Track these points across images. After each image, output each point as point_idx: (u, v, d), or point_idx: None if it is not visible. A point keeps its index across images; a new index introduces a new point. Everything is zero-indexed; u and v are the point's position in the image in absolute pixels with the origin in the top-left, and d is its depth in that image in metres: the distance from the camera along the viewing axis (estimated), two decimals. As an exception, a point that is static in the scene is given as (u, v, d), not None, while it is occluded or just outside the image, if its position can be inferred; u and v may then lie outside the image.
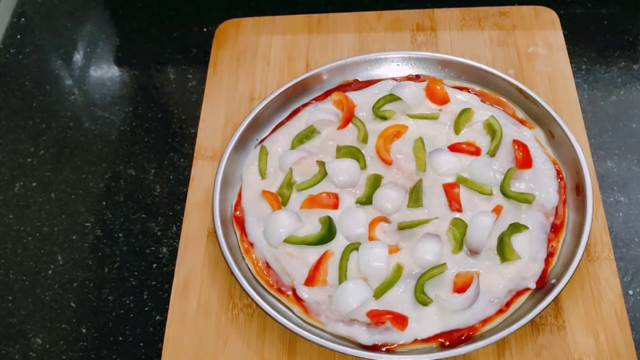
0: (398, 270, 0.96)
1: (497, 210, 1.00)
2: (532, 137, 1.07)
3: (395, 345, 0.91)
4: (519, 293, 0.94)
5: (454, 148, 1.06)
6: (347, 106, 1.11)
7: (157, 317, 1.01)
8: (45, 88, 1.28)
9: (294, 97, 1.14)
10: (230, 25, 1.29)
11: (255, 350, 0.95)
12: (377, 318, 0.92)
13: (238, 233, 1.02)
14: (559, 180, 1.03)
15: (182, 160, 1.17)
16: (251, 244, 1.00)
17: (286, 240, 0.99)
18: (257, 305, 0.93)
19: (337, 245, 0.99)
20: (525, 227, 0.98)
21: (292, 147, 1.09)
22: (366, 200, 1.02)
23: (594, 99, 1.19)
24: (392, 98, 1.10)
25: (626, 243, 1.03)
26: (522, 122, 1.10)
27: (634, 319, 0.97)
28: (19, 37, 1.36)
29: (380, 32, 1.25)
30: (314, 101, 1.14)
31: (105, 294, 1.04)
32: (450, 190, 1.01)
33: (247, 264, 0.99)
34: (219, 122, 1.17)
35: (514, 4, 1.28)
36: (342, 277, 0.96)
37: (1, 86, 1.29)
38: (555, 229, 0.99)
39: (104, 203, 1.13)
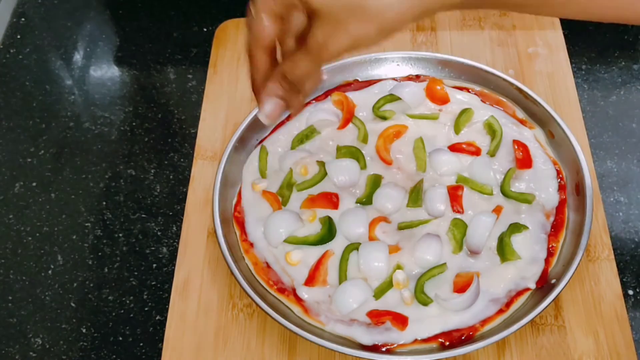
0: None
1: (497, 210, 1.00)
2: (532, 137, 1.07)
3: (395, 345, 0.91)
4: (519, 293, 0.94)
5: (454, 148, 1.06)
6: (347, 106, 1.10)
7: (157, 317, 1.01)
8: (45, 88, 1.28)
9: (294, 97, 1.14)
10: (230, 25, 1.29)
11: (255, 350, 0.95)
12: (377, 318, 0.92)
13: (238, 233, 1.02)
14: (559, 180, 1.03)
15: (182, 160, 1.16)
16: (251, 244, 1.00)
17: (286, 240, 0.99)
18: (257, 305, 0.93)
19: (337, 245, 0.99)
20: (525, 227, 0.98)
21: (292, 147, 1.09)
22: (366, 200, 1.02)
23: (594, 99, 1.19)
24: (392, 98, 1.10)
25: (626, 243, 1.03)
26: (522, 122, 1.10)
27: (634, 319, 0.97)
28: (19, 37, 1.36)
29: (380, 32, 1.25)
30: (314, 101, 1.13)
31: (105, 294, 1.04)
32: (454, 193, 1.01)
33: (247, 264, 0.99)
34: (219, 122, 1.17)
35: (514, 4, 1.28)
36: (342, 277, 0.96)
37: (1, 86, 1.28)
38: (555, 229, 0.99)
39: (104, 203, 1.13)
